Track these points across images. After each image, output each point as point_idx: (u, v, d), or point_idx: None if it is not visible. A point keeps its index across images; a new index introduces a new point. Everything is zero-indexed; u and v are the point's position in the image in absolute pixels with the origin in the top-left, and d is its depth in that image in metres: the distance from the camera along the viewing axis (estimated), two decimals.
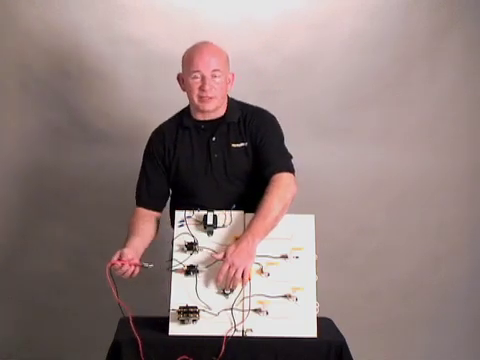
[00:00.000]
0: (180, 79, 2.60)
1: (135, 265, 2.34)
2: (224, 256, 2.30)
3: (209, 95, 2.50)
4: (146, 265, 2.36)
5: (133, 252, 2.38)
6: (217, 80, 2.51)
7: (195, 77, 2.51)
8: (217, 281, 2.31)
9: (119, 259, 2.33)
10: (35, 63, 3.51)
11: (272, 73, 3.58)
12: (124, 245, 2.44)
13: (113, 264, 2.32)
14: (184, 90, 2.59)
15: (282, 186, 2.43)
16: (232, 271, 2.28)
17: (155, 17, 3.51)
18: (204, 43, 2.57)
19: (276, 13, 3.57)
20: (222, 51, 2.58)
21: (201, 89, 2.50)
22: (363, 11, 3.60)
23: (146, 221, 2.58)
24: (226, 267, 2.29)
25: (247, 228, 2.36)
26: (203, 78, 2.50)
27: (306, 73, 3.61)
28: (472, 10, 3.65)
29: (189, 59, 2.53)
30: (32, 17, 3.47)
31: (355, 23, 3.60)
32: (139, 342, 2.23)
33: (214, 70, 2.50)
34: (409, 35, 3.63)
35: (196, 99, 2.53)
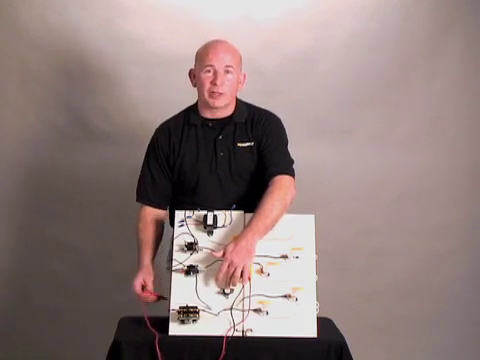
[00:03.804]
0: (192, 75, 2.60)
1: (157, 297, 2.44)
2: (223, 254, 2.30)
3: (220, 90, 2.51)
4: (165, 298, 2.41)
5: (152, 276, 2.46)
6: (229, 77, 2.51)
7: (208, 71, 2.51)
8: (217, 280, 2.31)
9: (143, 288, 2.43)
10: (36, 63, 3.51)
11: (272, 72, 3.58)
12: (140, 261, 2.51)
13: (139, 295, 2.43)
14: (195, 86, 2.59)
15: (283, 188, 2.44)
16: (231, 269, 2.28)
17: (156, 16, 3.51)
18: (219, 40, 2.58)
19: (276, 12, 3.57)
20: (236, 50, 2.59)
21: (213, 83, 2.50)
22: (363, 11, 3.61)
23: (154, 225, 2.59)
24: (225, 265, 2.28)
25: (247, 226, 2.36)
26: (215, 72, 2.50)
27: (306, 73, 3.61)
28: (472, 10, 3.65)
29: (203, 54, 2.53)
30: (32, 17, 3.47)
31: (355, 23, 3.60)
32: (157, 339, 2.24)
33: (227, 66, 2.51)
34: (409, 35, 3.64)
35: (206, 94, 2.53)
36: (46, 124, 3.55)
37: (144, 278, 2.45)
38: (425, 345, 3.76)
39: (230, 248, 2.30)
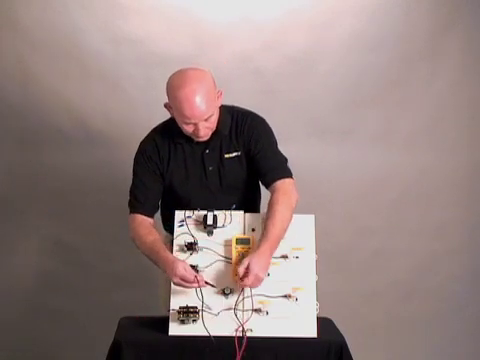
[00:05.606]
0: (168, 106, 2.46)
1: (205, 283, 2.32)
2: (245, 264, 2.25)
3: (202, 135, 2.44)
4: (212, 284, 2.32)
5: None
6: (210, 120, 2.42)
7: (188, 124, 2.41)
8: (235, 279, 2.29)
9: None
10: (35, 63, 3.50)
11: (272, 73, 3.58)
12: (165, 257, 2.34)
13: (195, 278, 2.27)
14: (173, 115, 2.47)
15: (287, 193, 2.42)
16: (250, 278, 2.23)
17: (155, 16, 3.50)
18: (189, 81, 2.36)
19: (276, 13, 3.57)
20: (208, 85, 2.39)
21: (195, 134, 2.43)
22: (363, 11, 3.61)
23: (154, 229, 2.53)
24: (243, 269, 2.24)
25: (263, 238, 2.31)
26: (196, 125, 2.40)
27: (306, 73, 3.61)
28: (472, 10, 3.66)
29: (178, 106, 2.38)
30: (32, 17, 3.47)
31: (355, 23, 3.60)
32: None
33: (206, 118, 2.40)
34: (409, 35, 3.64)
35: (189, 134, 2.46)
36: (46, 125, 3.55)
37: (184, 265, 2.30)
38: (425, 345, 3.77)
39: (254, 256, 2.25)
